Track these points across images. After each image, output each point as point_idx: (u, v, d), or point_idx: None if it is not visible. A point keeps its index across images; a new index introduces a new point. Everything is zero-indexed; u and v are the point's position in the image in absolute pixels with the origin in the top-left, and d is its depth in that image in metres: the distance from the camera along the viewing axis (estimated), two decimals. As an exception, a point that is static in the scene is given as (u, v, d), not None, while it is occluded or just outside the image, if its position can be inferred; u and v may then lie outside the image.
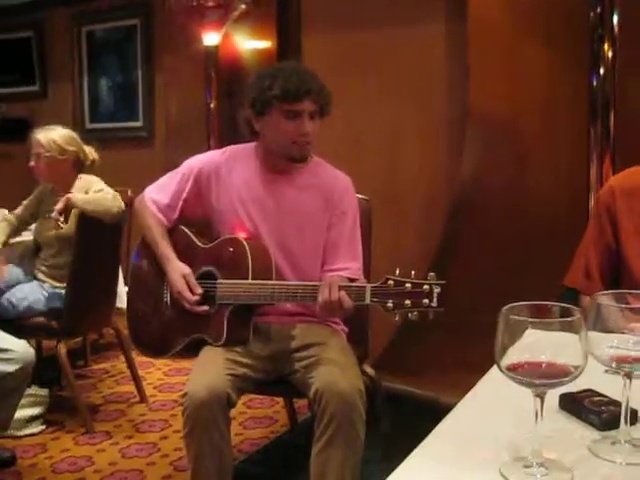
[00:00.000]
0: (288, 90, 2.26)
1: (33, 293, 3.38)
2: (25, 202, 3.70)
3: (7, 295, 3.35)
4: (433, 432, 1.20)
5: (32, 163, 3.50)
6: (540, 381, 1.01)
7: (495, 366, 1.38)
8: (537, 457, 1.05)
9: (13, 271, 3.55)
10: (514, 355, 1.03)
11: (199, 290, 2.36)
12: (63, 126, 3.58)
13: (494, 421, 1.23)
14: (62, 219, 3.24)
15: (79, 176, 3.53)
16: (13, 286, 3.42)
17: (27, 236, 3.78)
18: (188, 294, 2.35)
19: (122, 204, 3.30)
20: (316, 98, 2.30)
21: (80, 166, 3.54)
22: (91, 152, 3.58)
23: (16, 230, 3.68)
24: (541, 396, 1.03)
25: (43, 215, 3.60)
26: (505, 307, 1.03)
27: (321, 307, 2.14)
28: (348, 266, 2.37)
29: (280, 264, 2.39)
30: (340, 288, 2.09)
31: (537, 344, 1.02)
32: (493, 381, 1.38)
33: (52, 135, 3.45)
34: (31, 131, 3.55)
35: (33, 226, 3.71)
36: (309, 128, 2.32)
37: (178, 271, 2.40)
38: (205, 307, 2.34)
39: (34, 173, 3.54)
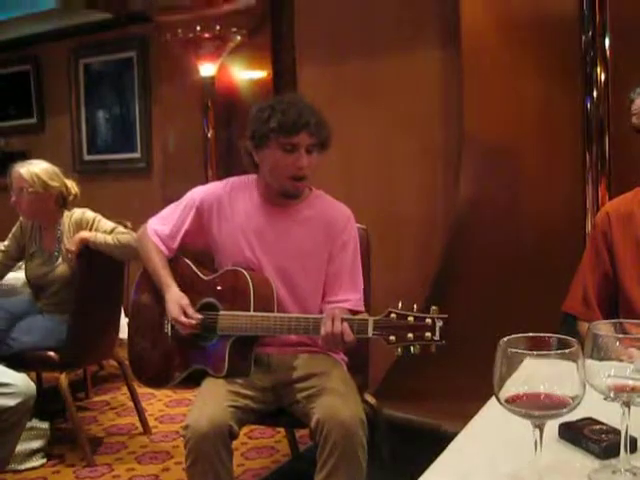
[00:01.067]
0: (285, 123, 2.28)
1: (41, 327, 3.36)
2: (4, 246, 3.62)
3: (15, 330, 3.31)
4: (434, 464, 1.20)
5: (13, 198, 3.42)
6: (539, 412, 1.02)
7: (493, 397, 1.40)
8: (538, 488, 1.06)
9: (20, 303, 3.53)
10: (513, 387, 1.04)
11: (196, 315, 2.37)
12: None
13: (495, 452, 1.24)
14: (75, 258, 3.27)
15: (73, 210, 3.49)
16: (21, 318, 3.40)
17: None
18: (183, 319, 2.36)
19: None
20: (313, 132, 2.31)
21: (63, 201, 3.48)
22: (73, 186, 3.52)
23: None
24: (540, 427, 1.04)
25: (29, 257, 3.55)
26: (503, 339, 1.04)
27: (323, 340, 2.15)
28: (349, 297, 2.39)
29: (281, 296, 2.40)
30: (342, 321, 2.10)
31: (535, 375, 1.03)
32: (493, 411, 1.39)
33: (35, 170, 3.39)
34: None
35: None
36: (305, 162, 2.32)
37: (175, 299, 2.40)
38: (192, 321, 2.35)
39: (16, 209, 3.46)
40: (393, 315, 2.01)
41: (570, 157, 3.32)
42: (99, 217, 3.46)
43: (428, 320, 1.97)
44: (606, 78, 3.12)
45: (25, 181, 3.36)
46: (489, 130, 3.55)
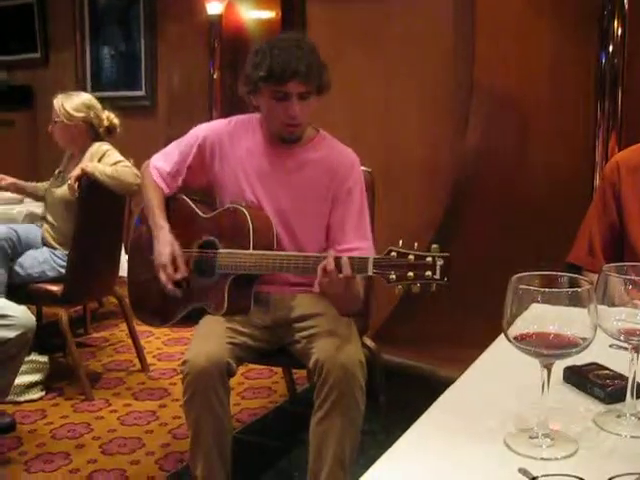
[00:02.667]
0: (274, 71, 2.21)
1: (46, 259, 3.39)
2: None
3: (20, 260, 3.35)
4: (437, 402, 1.20)
5: (49, 128, 3.55)
6: (548, 351, 1.01)
7: (498, 339, 1.40)
8: (543, 428, 1.05)
9: (32, 232, 3.54)
10: (522, 325, 1.02)
11: (183, 272, 2.34)
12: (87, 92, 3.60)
13: (499, 392, 1.23)
14: (76, 187, 3.25)
15: (99, 142, 3.52)
16: (27, 248, 3.42)
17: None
18: (170, 271, 2.33)
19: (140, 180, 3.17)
20: (304, 79, 2.22)
21: (95, 132, 3.54)
22: (109, 117, 3.59)
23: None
24: (548, 367, 1.03)
25: (55, 176, 3.62)
26: (514, 276, 1.02)
27: (319, 281, 2.08)
28: (358, 246, 2.32)
29: (280, 236, 2.37)
30: (339, 258, 2.06)
31: (545, 315, 1.01)
32: (497, 353, 1.38)
33: (64, 101, 3.48)
34: (34, 99, 3.57)
35: None
36: (297, 110, 2.26)
37: (168, 244, 2.37)
38: (177, 291, 2.33)
39: (53, 137, 3.58)
40: (393, 253, 1.96)
41: (581, 110, 3.28)
42: (111, 151, 3.48)
43: (429, 259, 1.93)
44: (622, 32, 3.07)
45: (54, 111, 3.49)
46: (500, 79, 3.49)
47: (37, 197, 3.78)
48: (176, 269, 2.34)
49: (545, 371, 1.03)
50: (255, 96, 2.33)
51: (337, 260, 2.04)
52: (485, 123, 3.52)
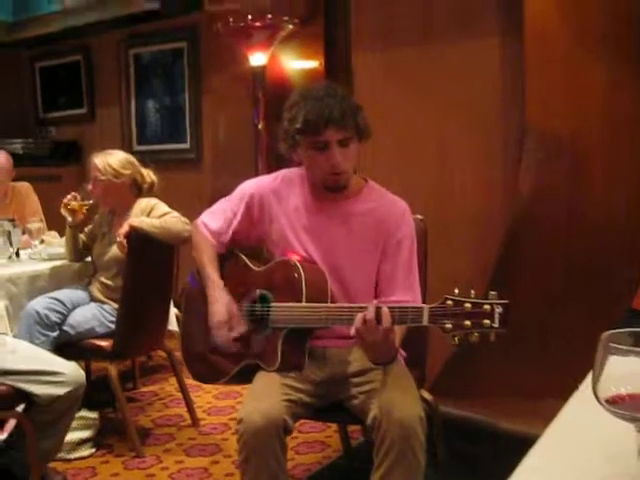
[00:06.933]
0: (308, 122, 2.18)
1: (95, 316, 3.39)
2: (88, 228, 3.75)
3: (69, 320, 3.35)
4: (521, 465, 1.11)
5: (90, 187, 3.56)
6: (645, 415, 0.93)
7: (577, 394, 1.31)
8: (638, 498, 0.97)
9: (76, 293, 3.54)
10: (614, 387, 0.94)
11: (240, 330, 2.32)
12: (122, 150, 3.63)
13: (586, 456, 1.14)
14: (126, 243, 3.25)
15: (139, 199, 3.55)
16: (75, 308, 3.42)
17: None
18: (225, 330, 2.32)
19: (189, 227, 3.09)
20: (340, 126, 2.19)
21: (138, 189, 3.58)
22: (149, 174, 3.62)
23: (83, 252, 3.74)
24: (645, 432, 0.95)
25: (100, 237, 3.63)
26: (605, 334, 0.94)
27: (356, 326, 1.98)
28: (405, 299, 2.26)
29: (334, 292, 2.31)
30: (381, 309, 1.97)
31: (637, 374, 0.93)
32: (580, 411, 1.29)
33: (108, 159, 3.51)
34: (81, 154, 3.60)
35: None
36: (339, 158, 2.22)
37: (224, 303, 2.35)
38: (234, 349, 2.32)
39: (93, 196, 3.59)
40: (449, 302, 1.89)
41: (635, 149, 3.19)
42: (160, 204, 3.51)
43: (486, 306, 1.85)
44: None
45: (98, 170, 3.50)
46: (552, 120, 3.40)
47: (77, 252, 3.76)
48: (232, 328, 2.31)
49: (640, 436, 0.95)
50: (295, 150, 2.31)
51: (378, 310, 1.97)
52: (538, 166, 3.43)
